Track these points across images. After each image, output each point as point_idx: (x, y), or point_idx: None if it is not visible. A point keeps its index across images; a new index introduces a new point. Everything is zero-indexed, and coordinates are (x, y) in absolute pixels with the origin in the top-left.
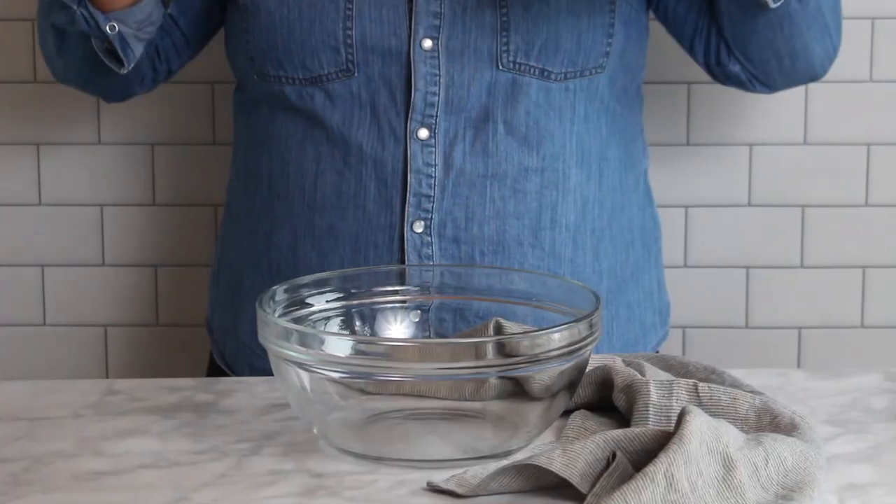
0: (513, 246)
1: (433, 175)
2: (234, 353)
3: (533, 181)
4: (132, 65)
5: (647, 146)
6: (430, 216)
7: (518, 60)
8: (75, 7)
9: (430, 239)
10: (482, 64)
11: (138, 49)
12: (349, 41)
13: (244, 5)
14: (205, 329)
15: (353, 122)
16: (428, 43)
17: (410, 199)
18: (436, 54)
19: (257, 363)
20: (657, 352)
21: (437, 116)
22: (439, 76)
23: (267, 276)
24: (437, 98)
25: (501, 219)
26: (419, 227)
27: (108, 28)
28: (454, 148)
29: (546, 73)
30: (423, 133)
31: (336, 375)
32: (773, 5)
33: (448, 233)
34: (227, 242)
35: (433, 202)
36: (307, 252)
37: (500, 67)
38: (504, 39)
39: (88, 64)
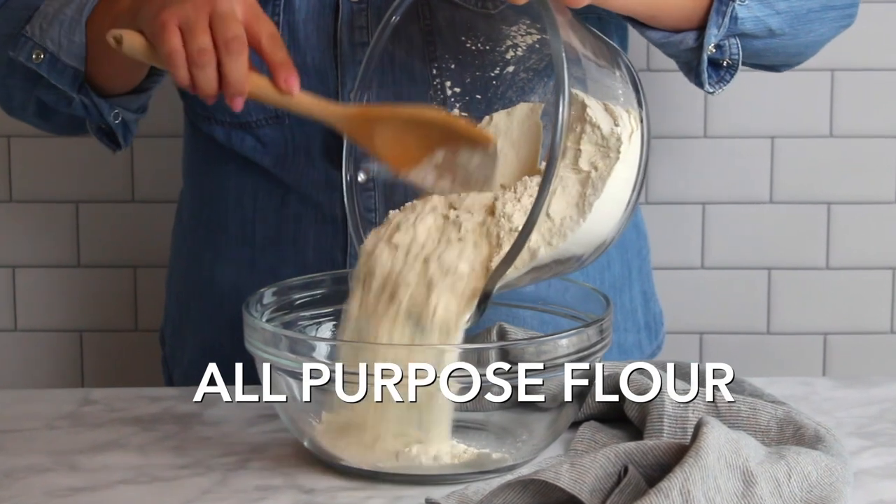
0: None
1: (374, 221)
2: (181, 379)
3: None
4: (129, 144)
5: None
6: None
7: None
8: (74, 94)
9: None
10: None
11: (136, 130)
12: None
13: None
14: None
15: (286, 165)
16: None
17: (351, 249)
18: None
19: None
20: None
21: (374, 159)
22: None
23: (213, 307)
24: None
25: None
26: None
27: (112, 117)
28: (395, 191)
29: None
30: (361, 177)
31: (327, 384)
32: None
33: None
34: (174, 267)
35: None
36: (249, 293)
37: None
38: (438, 85)
39: (70, 129)
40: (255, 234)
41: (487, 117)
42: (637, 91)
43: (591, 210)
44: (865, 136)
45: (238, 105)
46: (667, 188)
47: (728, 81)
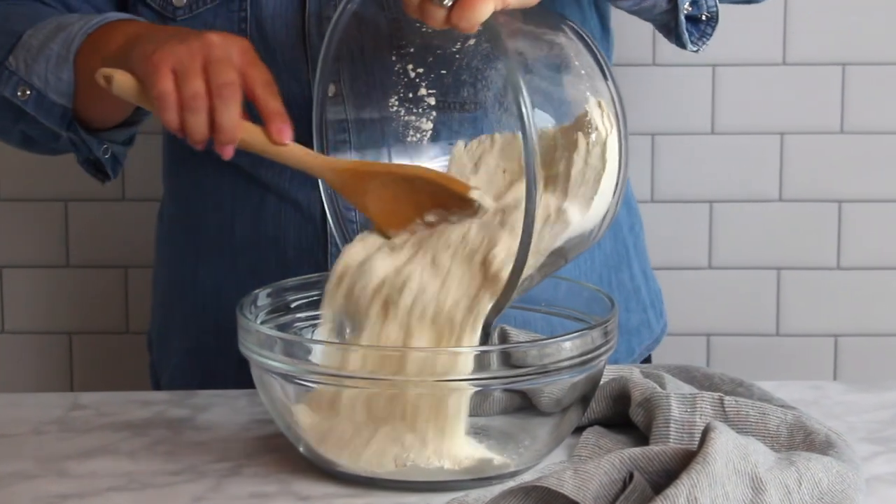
0: None
1: (354, 220)
2: (168, 384)
3: None
4: (117, 175)
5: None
6: None
7: (451, 101)
8: (62, 132)
9: None
10: None
11: (124, 158)
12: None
13: None
14: None
15: (263, 164)
16: (332, 88)
17: (332, 248)
18: (340, 99)
19: None
20: (648, 361)
21: (351, 154)
22: (347, 120)
23: (196, 309)
24: (347, 137)
25: None
26: None
27: (101, 152)
28: None
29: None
30: None
31: (324, 388)
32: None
33: None
34: (158, 270)
35: None
36: (230, 295)
37: None
38: (402, 70)
39: (56, 154)
40: (234, 234)
41: (475, 140)
42: (597, 62)
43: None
44: (877, 131)
45: (228, 153)
46: (673, 186)
47: (710, 35)
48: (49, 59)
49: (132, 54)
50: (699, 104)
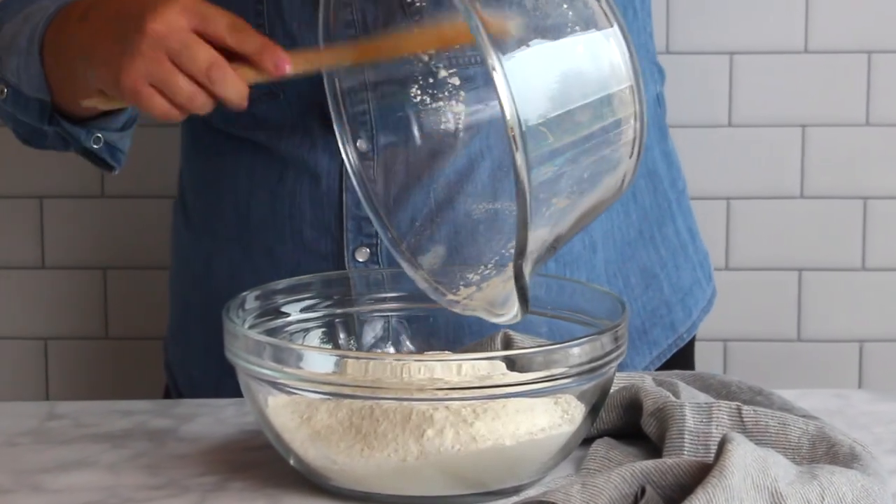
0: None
1: (374, 192)
2: (187, 387)
3: None
4: (123, 164)
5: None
6: (374, 241)
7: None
8: (45, 126)
9: (378, 268)
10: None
11: (127, 145)
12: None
13: None
14: (161, 342)
15: (281, 139)
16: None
17: (348, 223)
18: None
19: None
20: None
21: (373, 126)
22: (367, 89)
23: (213, 305)
24: (367, 107)
25: None
26: (363, 256)
27: (92, 143)
28: (397, 159)
29: None
30: (362, 145)
31: (317, 397)
32: None
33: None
34: (173, 263)
35: None
36: (246, 279)
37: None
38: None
39: (64, 149)
40: (249, 217)
41: None
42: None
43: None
44: None
45: (243, 105)
46: (688, 182)
47: None
48: (20, 54)
49: (94, 74)
50: (716, 95)
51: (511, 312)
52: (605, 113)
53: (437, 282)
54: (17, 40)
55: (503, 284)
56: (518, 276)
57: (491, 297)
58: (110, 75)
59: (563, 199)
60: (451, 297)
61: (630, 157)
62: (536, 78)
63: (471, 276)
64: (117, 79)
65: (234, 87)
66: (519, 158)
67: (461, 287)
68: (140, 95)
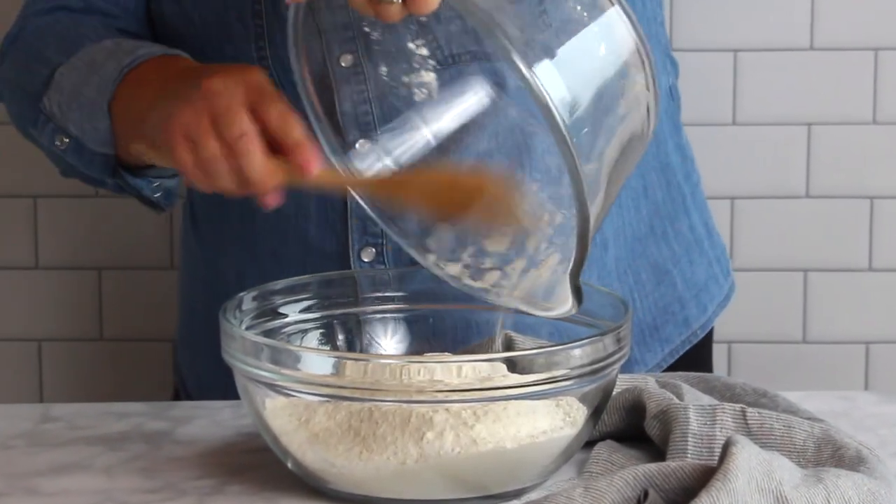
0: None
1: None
2: (195, 390)
3: None
4: (174, 204)
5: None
6: (380, 241)
7: (455, 52)
8: (107, 179)
9: (384, 268)
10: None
11: (178, 188)
12: (265, 63)
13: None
14: (157, 344)
15: None
16: (348, 58)
17: (353, 223)
18: (360, 69)
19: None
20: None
21: (374, 125)
22: (367, 91)
23: (219, 307)
24: (369, 108)
25: None
26: (368, 256)
27: (153, 193)
28: (397, 147)
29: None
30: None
31: (315, 399)
32: None
33: (407, 258)
34: (182, 265)
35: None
36: (252, 281)
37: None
38: (430, 36)
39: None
40: (255, 218)
41: None
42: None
43: None
44: None
45: (270, 203)
46: None
47: None
48: (83, 107)
49: (149, 123)
50: (720, 93)
51: (565, 306)
52: (623, 84)
53: (466, 267)
54: (81, 91)
55: (539, 275)
56: (574, 277)
57: (528, 288)
58: (160, 120)
59: (604, 171)
60: (479, 284)
61: (647, 89)
62: (570, 79)
63: (503, 268)
64: (164, 122)
65: (259, 165)
66: (574, 166)
67: (497, 278)
68: (174, 144)
